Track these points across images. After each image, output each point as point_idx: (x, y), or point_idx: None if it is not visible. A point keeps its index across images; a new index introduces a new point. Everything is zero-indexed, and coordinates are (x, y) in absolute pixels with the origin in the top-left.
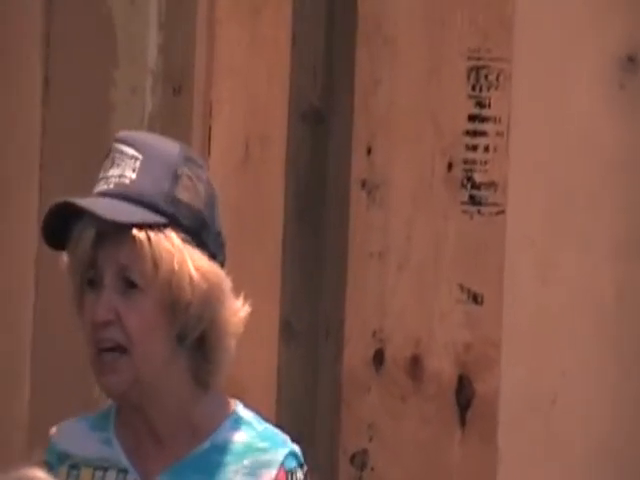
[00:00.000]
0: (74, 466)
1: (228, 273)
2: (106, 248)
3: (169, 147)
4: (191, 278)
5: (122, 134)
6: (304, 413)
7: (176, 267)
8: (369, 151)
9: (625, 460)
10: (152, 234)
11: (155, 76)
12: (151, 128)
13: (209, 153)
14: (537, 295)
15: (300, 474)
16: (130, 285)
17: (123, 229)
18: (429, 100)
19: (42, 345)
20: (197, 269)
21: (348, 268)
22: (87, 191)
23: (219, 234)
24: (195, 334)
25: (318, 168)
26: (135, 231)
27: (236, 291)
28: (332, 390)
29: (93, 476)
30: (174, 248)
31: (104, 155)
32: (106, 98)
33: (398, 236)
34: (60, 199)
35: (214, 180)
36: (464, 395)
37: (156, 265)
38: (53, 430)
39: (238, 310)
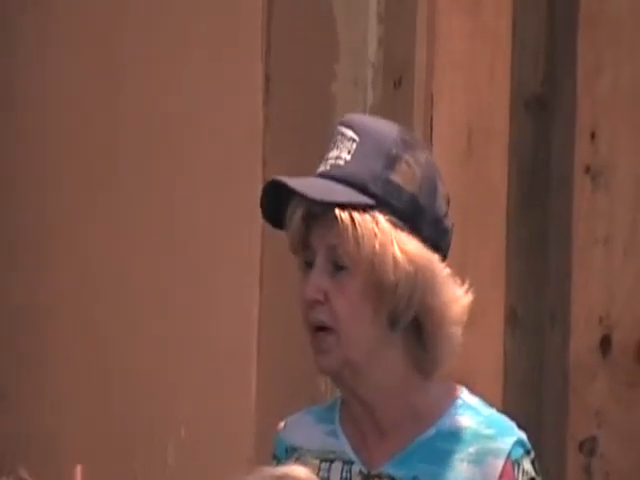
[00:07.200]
0: (300, 458)
1: (453, 262)
2: (317, 229)
3: (387, 129)
4: (395, 260)
5: (346, 117)
6: (531, 400)
7: (377, 248)
8: (593, 136)
9: None
10: (356, 214)
11: (376, 69)
12: None
13: (431, 145)
14: None
15: (527, 462)
16: (338, 267)
17: (331, 210)
18: None
19: (268, 338)
20: (402, 251)
21: (573, 254)
22: None
23: (439, 220)
24: (406, 318)
25: (541, 155)
26: (338, 211)
27: (462, 280)
28: (559, 377)
29: (319, 468)
30: (378, 229)
31: (325, 148)
32: (327, 92)
33: (623, 221)
34: (274, 177)
35: None
36: None
37: (358, 245)
38: (280, 425)
39: (459, 297)
